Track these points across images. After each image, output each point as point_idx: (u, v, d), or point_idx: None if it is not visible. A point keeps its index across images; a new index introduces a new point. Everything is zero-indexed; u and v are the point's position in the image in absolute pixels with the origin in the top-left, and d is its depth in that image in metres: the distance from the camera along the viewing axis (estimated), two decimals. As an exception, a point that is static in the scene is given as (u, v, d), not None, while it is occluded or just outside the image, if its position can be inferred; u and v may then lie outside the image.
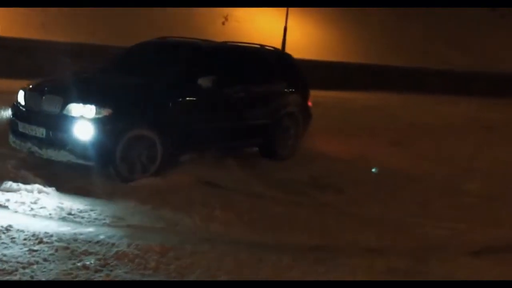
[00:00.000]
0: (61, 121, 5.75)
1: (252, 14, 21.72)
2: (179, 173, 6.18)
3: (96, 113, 5.73)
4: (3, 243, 3.99)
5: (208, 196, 5.55)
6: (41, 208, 4.82)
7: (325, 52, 22.14)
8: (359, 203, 5.93)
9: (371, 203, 5.95)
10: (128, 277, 3.66)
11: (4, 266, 3.61)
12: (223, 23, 20.93)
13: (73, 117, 5.72)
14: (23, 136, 5.99)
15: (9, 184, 5.23)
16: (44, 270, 3.63)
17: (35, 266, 3.67)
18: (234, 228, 4.83)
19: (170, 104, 6.29)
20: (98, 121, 5.72)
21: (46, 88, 6.10)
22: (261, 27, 21.63)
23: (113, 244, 4.12)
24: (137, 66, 6.92)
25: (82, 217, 4.74)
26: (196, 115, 6.53)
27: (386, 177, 7.06)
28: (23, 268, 3.63)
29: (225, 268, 3.95)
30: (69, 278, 3.54)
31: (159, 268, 3.84)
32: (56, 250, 3.94)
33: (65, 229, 4.39)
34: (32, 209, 4.77)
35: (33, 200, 4.95)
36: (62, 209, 4.85)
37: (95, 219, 4.74)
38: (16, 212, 4.68)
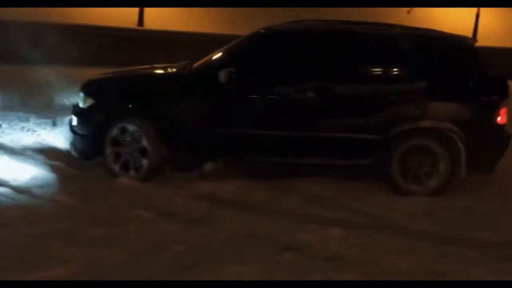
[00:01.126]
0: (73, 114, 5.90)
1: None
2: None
3: (83, 103, 5.67)
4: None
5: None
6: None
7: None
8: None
9: None
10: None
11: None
12: (408, 12, 20.24)
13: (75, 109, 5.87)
14: None
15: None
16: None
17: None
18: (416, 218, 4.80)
19: (173, 98, 5.56)
20: (82, 111, 5.67)
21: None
22: (450, 14, 20.53)
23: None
24: None
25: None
26: (217, 114, 5.57)
27: None
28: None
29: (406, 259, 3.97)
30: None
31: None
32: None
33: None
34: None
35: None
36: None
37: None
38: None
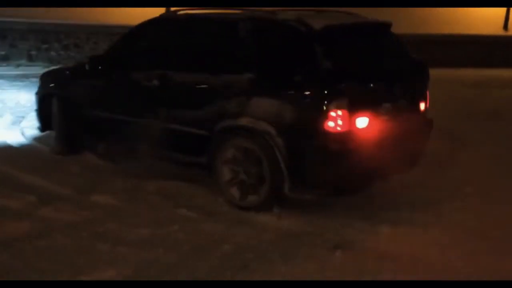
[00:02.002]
0: None
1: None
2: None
3: None
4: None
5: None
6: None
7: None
8: None
9: None
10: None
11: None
12: (436, 2, 19.85)
13: None
14: None
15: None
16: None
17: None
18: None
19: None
20: None
21: None
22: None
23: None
24: None
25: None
26: (86, 98, 5.95)
27: None
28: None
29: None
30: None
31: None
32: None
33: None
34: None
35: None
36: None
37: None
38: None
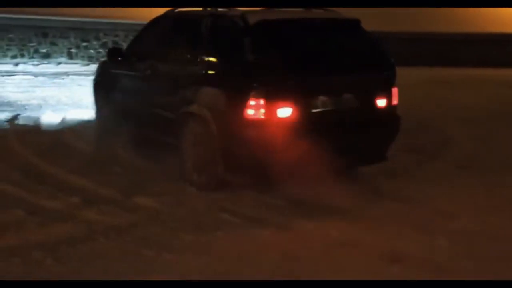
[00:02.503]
0: None
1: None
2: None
3: None
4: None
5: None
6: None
7: None
8: None
9: None
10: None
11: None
12: None
13: None
14: None
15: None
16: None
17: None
18: None
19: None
20: None
21: None
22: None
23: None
24: None
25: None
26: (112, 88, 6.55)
27: None
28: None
29: None
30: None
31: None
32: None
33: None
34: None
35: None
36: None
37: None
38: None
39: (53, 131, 7.21)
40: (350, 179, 5.37)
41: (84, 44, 14.17)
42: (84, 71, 13.18)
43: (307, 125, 4.66)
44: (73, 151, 6.37)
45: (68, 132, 7.12)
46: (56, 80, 11.72)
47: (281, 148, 4.54)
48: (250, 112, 4.58)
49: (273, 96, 4.58)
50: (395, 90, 5.28)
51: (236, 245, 4.11)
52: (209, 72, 5.13)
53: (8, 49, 13.46)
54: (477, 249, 4.06)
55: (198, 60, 5.23)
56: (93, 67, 13.47)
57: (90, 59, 14.16)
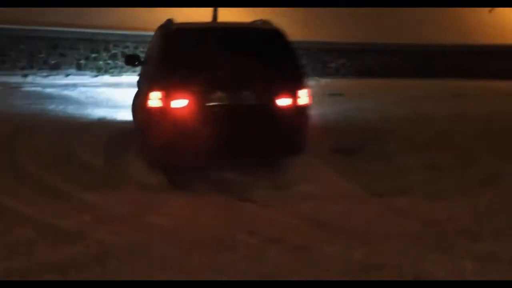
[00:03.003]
0: None
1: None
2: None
3: None
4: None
5: None
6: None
7: None
8: None
9: None
10: None
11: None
12: (490, 11, 19.23)
13: None
14: None
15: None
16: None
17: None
18: None
19: None
20: None
21: None
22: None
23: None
24: None
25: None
26: None
27: None
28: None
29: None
30: None
31: None
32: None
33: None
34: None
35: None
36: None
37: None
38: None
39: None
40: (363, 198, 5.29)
41: (94, 55, 14.08)
42: (92, 82, 13.13)
43: (201, 115, 5.51)
44: (82, 167, 6.20)
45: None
46: (65, 92, 11.63)
47: (174, 131, 5.47)
48: (150, 102, 5.54)
49: (170, 90, 5.51)
50: (302, 92, 5.81)
51: (255, 267, 3.93)
52: (143, 71, 6.94)
53: (17, 61, 13.39)
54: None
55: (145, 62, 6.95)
56: (102, 78, 13.60)
57: (99, 71, 14.06)
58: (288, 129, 5.75)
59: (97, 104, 10.53)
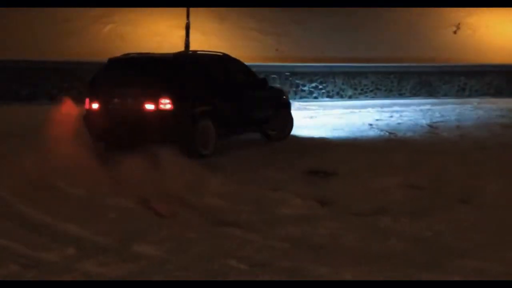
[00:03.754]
0: None
1: (487, 20, 20.14)
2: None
3: None
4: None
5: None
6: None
7: None
8: None
9: None
10: None
11: None
12: (455, 32, 19.79)
13: None
14: None
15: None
16: None
17: None
18: None
19: None
20: None
21: None
22: (497, 32, 19.94)
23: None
24: None
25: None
26: None
27: None
28: None
29: None
30: None
31: None
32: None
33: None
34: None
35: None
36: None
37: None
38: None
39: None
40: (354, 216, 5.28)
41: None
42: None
43: (105, 114, 8.32)
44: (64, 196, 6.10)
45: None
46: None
47: (93, 124, 8.33)
48: (87, 105, 8.48)
49: (93, 98, 8.47)
50: (163, 100, 8.07)
51: None
52: None
53: None
54: None
55: None
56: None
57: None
58: (153, 124, 8.05)
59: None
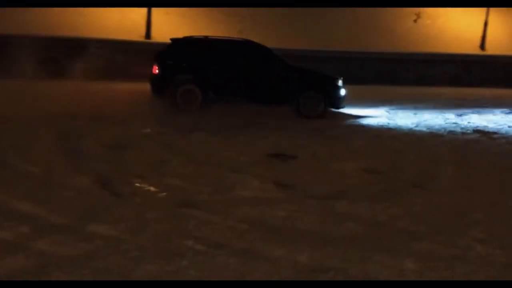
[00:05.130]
0: None
1: (446, 9, 20.46)
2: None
3: None
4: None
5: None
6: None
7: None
8: None
9: None
10: None
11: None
12: (415, 21, 20.06)
13: None
14: None
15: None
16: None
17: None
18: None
19: None
20: None
21: None
22: (456, 22, 20.31)
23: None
24: None
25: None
26: None
27: None
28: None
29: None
30: None
31: None
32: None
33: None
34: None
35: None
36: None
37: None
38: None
39: None
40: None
41: None
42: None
43: (150, 77, 11.21)
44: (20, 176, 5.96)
45: None
46: None
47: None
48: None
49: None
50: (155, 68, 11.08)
51: (203, 275, 3.91)
52: None
53: None
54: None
55: None
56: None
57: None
58: (152, 83, 11.15)
59: None
